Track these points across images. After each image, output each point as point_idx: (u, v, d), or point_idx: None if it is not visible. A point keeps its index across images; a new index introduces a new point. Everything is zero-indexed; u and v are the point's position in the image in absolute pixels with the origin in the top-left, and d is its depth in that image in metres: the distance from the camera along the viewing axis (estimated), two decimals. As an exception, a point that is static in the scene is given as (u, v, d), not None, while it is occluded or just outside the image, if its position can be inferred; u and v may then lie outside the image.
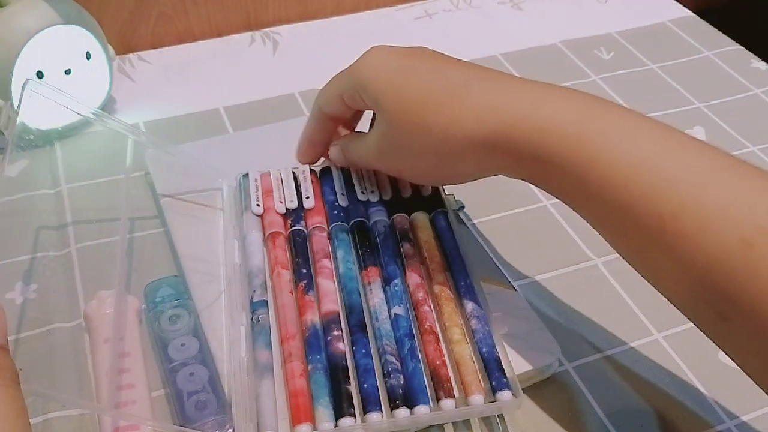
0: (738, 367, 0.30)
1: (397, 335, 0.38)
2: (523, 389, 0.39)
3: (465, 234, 0.44)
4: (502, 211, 0.50)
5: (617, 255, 0.33)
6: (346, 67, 0.40)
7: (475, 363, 0.37)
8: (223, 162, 0.48)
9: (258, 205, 0.43)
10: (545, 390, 0.40)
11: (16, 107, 0.38)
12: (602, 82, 0.63)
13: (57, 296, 0.43)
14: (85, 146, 0.54)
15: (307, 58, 0.65)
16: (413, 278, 0.40)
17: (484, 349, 0.37)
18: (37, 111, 0.50)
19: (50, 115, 0.52)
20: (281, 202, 0.44)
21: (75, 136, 0.54)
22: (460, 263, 0.41)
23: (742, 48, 0.69)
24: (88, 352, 0.40)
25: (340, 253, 0.42)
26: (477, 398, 0.35)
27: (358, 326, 0.38)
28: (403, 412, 0.35)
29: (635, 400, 0.40)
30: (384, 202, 0.44)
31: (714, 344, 0.31)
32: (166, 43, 0.65)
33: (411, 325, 0.38)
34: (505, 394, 0.36)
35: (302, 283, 0.40)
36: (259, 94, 0.60)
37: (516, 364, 0.38)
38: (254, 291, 0.40)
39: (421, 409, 0.35)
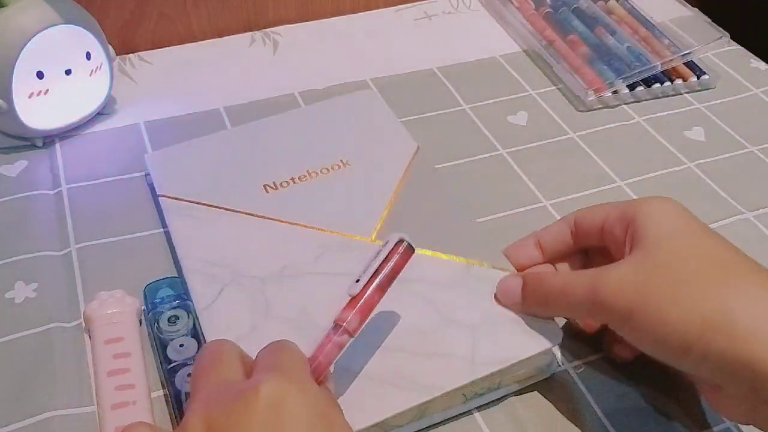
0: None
1: None
2: (522, 389, 0.39)
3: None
4: (502, 211, 0.50)
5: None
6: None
7: None
8: (224, 161, 0.48)
9: None
10: (545, 390, 0.40)
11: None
12: (602, 82, 0.63)
13: (57, 296, 0.43)
14: (86, 147, 0.54)
15: (307, 59, 0.65)
16: None
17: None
18: (37, 111, 0.51)
19: (51, 116, 0.52)
20: None
21: (75, 137, 0.54)
22: None
23: (742, 47, 0.69)
24: (88, 352, 0.40)
25: None
26: None
27: None
28: None
29: (635, 400, 0.40)
30: None
31: None
32: (166, 44, 0.65)
33: None
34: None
35: None
36: (259, 94, 0.60)
37: (519, 348, 0.38)
38: None
39: None
